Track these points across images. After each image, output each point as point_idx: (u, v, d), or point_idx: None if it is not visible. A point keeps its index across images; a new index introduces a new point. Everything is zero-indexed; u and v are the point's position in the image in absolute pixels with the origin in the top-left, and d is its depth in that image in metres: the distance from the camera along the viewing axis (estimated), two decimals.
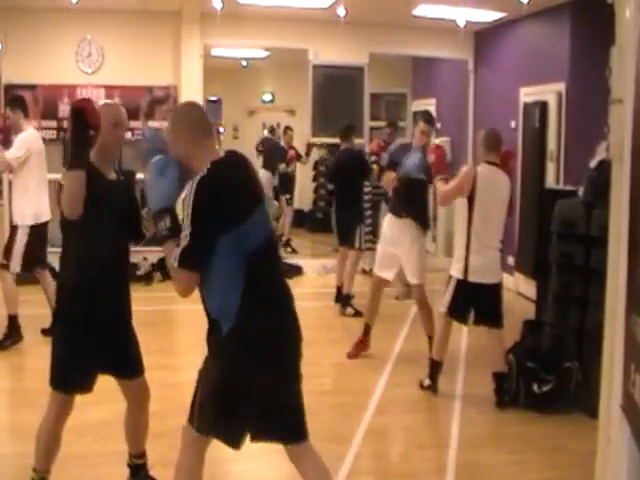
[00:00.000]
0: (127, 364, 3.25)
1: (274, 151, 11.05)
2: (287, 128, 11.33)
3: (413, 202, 5.69)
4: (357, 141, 8.32)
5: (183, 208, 2.51)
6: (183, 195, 2.56)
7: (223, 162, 2.63)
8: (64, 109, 8.66)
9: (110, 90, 8.75)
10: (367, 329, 5.86)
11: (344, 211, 7.42)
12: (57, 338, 3.16)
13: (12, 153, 5.71)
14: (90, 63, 8.75)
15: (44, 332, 6.06)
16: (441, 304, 4.94)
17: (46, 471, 3.21)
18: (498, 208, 4.78)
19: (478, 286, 4.70)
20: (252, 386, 2.58)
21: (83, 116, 3.02)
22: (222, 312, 2.57)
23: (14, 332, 5.80)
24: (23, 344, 5.79)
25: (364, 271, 8.27)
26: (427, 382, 5.01)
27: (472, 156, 9.61)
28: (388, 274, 5.75)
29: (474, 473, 3.90)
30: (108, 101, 3.47)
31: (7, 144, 5.90)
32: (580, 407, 4.53)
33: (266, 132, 12.70)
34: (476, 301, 4.77)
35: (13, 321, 5.82)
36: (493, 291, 4.78)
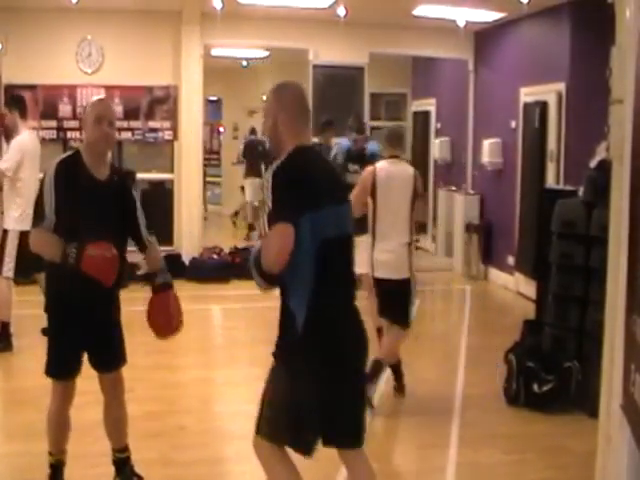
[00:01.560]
0: (108, 357, 3.29)
1: (256, 154, 11.08)
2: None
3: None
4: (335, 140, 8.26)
5: (265, 193, 2.52)
6: (265, 177, 2.57)
7: (305, 148, 2.64)
8: (64, 109, 8.68)
9: (110, 90, 8.74)
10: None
11: None
12: (49, 330, 3.27)
13: (5, 162, 5.69)
14: (90, 63, 8.75)
15: (44, 332, 6.05)
16: None
17: (60, 452, 3.34)
18: (401, 201, 4.69)
19: (384, 282, 4.66)
20: (323, 388, 2.52)
21: None
22: (298, 302, 2.52)
23: (4, 340, 5.76)
24: (22, 344, 5.78)
25: None
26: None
27: (471, 156, 9.65)
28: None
29: (474, 473, 3.90)
30: (98, 97, 3.43)
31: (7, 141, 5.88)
32: (580, 407, 4.53)
33: (247, 134, 12.71)
34: (383, 295, 4.73)
35: (4, 328, 5.79)
36: (400, 288, 4.65)
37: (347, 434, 2.65)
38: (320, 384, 2.51)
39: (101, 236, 3.04)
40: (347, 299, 2.68)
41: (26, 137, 5.82)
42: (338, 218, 2.61)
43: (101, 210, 3.11)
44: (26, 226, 5.72)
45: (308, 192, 2.50)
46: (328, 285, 2.53)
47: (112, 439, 3.42)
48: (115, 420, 3.39)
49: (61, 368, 3.21)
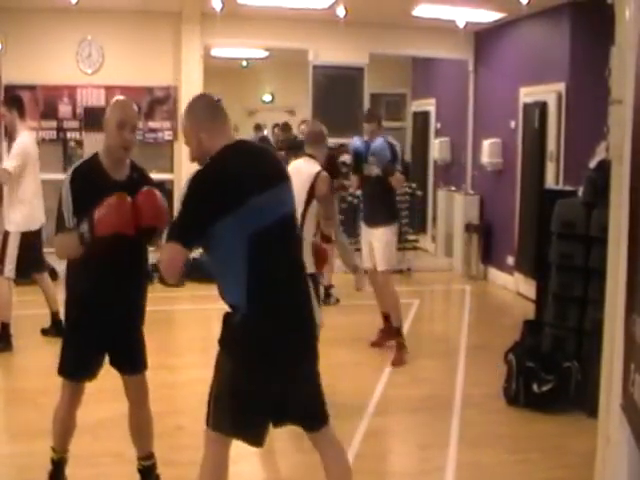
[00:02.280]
0: (129, 359, 3.28)
1: None
2: (276, 126, 11.32)
3: (382, 205, 5.87)
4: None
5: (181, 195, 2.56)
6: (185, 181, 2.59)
7: (228, 148, 2.63)
8: (64, 109, 8.68)
9: (110, 90, 8.73)
10: (386, 317, 5.97)
11: None
12: (65, 328, 3.29)
13: (11, 162, 5.69)
14: (90, 63, 8.75)
15: (44, 332, 6.07)
16: None
17: (63, 450, 3.34)
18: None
19: None
20: (265, 379, 2.57)
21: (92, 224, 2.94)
22: (234, 299, 2.57)
23: (4, 340, 5.76)
24: (22, 344, 5.79)
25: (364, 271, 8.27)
26: None
27: (471, 156, 9.65)
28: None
29: (474, 473, 3.91)
30: (120, 98, 3.33)
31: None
32: (580, 407, 4.53)
33: (253, 133, 12.62)
34: None
35: (5, 329, 5.80)
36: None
37: (299, 417, 2.70)
38: (262, 370, 2.55)
39: (122, 238, 3.01)
40: (289, 281, 2.66)
41: (27, 139, 5.83)
42: (273, 202, 2.60)
43: None
44: (27, 227, 5.78)
45: (227, 194, 2.50)
46: (266, 272, 2.55)
47: (136, 445, 3.40)
48: (139, 425, 3.36)
49: (75, 368, 3.20)
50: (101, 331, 3.16)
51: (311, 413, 2.72)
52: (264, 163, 2.72)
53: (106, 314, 3.15)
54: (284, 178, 2.73)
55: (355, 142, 5.96)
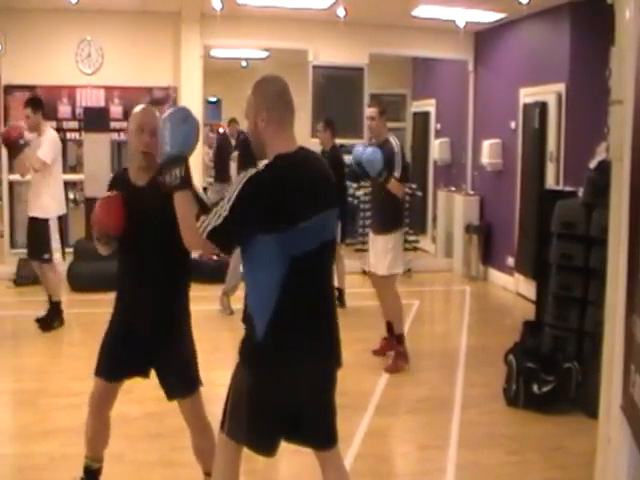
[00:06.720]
0: (167, 380, 3.10)
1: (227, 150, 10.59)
2: (232, 120, 11.23)
3: (383, 212, 5.64)
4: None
5: (229, 191, 2.41)
6: (237, 178, 2.45)
7: (288, 159, 2.46)
8: (64, 110, 8.68)
9: (110, 91, 8.76)
10: (389, 326, 5.76)
11: None
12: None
13: (45, 154, 5.97)
14: (90, 64, 8.74)
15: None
16: None
17: (92, 459, 3.19)
18: None
19: None
20: (283, 398, 2.52)
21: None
22: (257, 309, 2.49)
23: (59, 317, 6.13)
24: (22, 345, 5.80)
25: (363, 272, 8.26)
26: None
27: (471, 157, 9.65)
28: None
29: (474, 473, 3.90)
30: (142, 106, 3.17)
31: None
32: (580, 407, 4.53)
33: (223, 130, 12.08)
34: None
35: (57, 306, 6.15)
36: None
37: (311, 435, 2.65)
38: (282, 389, 2.50)
39: (145, 241, 2.99)
40: (321, 306, 2.59)
41: (55, 135, 6.21)
42: (319, 227, 2.50)
43: (139, 215, 2.97)
44: (58, 212, 6.12)
45: (277, 215, 2.37)
46: (296, 295, 2.46)
47: (200, 464, 3.24)
48: (197, 448, 3.19)
49: (101, 364, 3.08)
50: (131, 345, 3.02)
51: (323, 432, 2.68)
52: (319, 185, 2.55)
53: (132, 327, 3.03)
54: (334, 204, 2.62)
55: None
